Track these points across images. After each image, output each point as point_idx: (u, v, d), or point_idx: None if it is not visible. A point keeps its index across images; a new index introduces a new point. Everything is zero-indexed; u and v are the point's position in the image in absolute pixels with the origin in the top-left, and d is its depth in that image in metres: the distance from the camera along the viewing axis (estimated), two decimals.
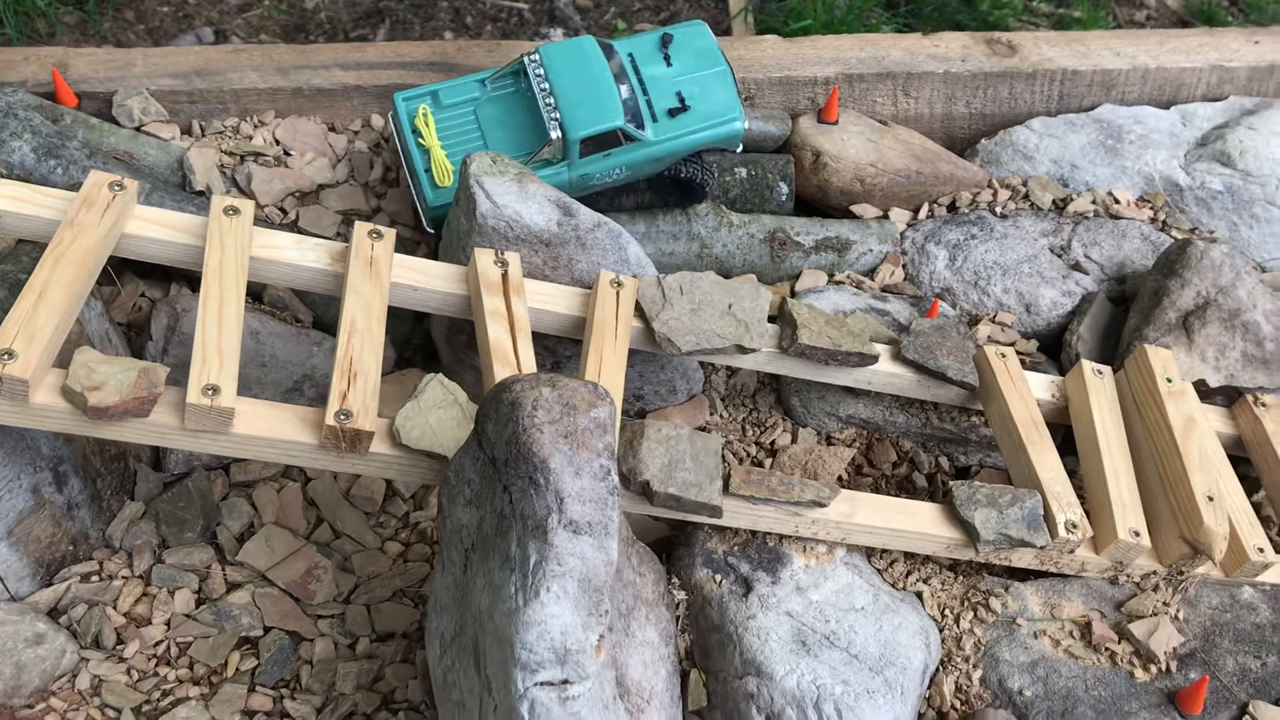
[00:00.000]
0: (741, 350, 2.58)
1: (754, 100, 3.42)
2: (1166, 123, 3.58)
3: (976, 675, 2.42)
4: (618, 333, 2.43)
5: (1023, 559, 2.51)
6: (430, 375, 2.25)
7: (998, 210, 3.35)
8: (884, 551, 2.58)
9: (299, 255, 2.38)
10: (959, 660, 2.44)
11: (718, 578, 2.43)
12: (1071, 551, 2.51)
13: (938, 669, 2.43)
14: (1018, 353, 3.05)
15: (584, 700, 1.67)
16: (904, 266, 3.21)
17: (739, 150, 3.05)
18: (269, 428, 2.10)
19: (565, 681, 1.66)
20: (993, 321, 3.11)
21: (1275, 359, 2.92)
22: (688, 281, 2.59)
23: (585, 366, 2.37)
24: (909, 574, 2.57)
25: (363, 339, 2.20)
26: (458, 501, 1.89)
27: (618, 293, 2.50)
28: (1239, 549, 2.59)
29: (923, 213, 3.36)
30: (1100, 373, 2.80)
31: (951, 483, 2.49)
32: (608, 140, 2.85)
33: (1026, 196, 3.40)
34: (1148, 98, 3.65)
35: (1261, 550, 2.59)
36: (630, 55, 3.00)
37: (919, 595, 2.53)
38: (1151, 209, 3.37)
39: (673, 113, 2.93)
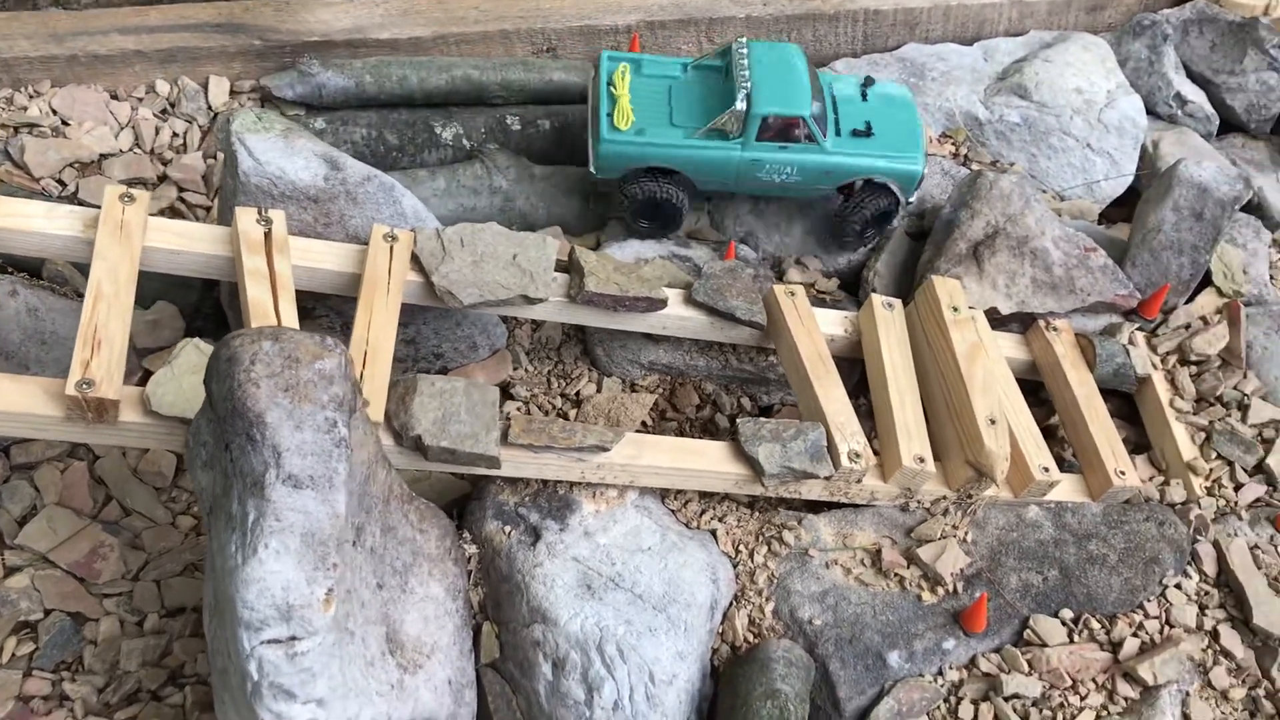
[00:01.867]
0: (528, 300, 2.56)
1: (556, 51, 3.38)
2: (969, 59, 3.64)
3: (769, 608, 2.45)
4: (390, 288, 2.39)
5: (812, 490, 2.55)
6: (186, 339, 2.19)
7: None
8: (679, 492, 2.59)
9: (48, 223, 2.29)
10: (752, 594, 2.47)
11: (507, 529, 2.42)
12: (858, 481, 2.55)
13: (731, 604, 2.46)
14: (819, 292, 3.08)
15: (315, 655, 1.65)
16: (709, 213, 3.22)
17: (910, 202, 3.02)
18: (8, 401, 2.02)
19: (293, 638, 1.63)
20: (796, 263, 3.13)
21: (1064, 284, 3.00)
22: (469, 233, 2.56)
23: (356, 323, 2.33)
24: (703, 513, 2.58)
25: (109, 305, 2.13)
26: (196, 465, 1.84)
27: (391, 247, 2.46)
28: (1025, 469, 2.65)
29: None
30: (890, 306, 2.84)
31: (737, 420, 2.51)
32: (787, 134, 2.83)
33: None
34: (951, 35, 3.71)
35: (1046, 470, 2.65)
36: (830, 84, 3.05)
37: (713, 533, 2.55)
38: (953, 144, 3.43)
39: (856, 133, 2.93)
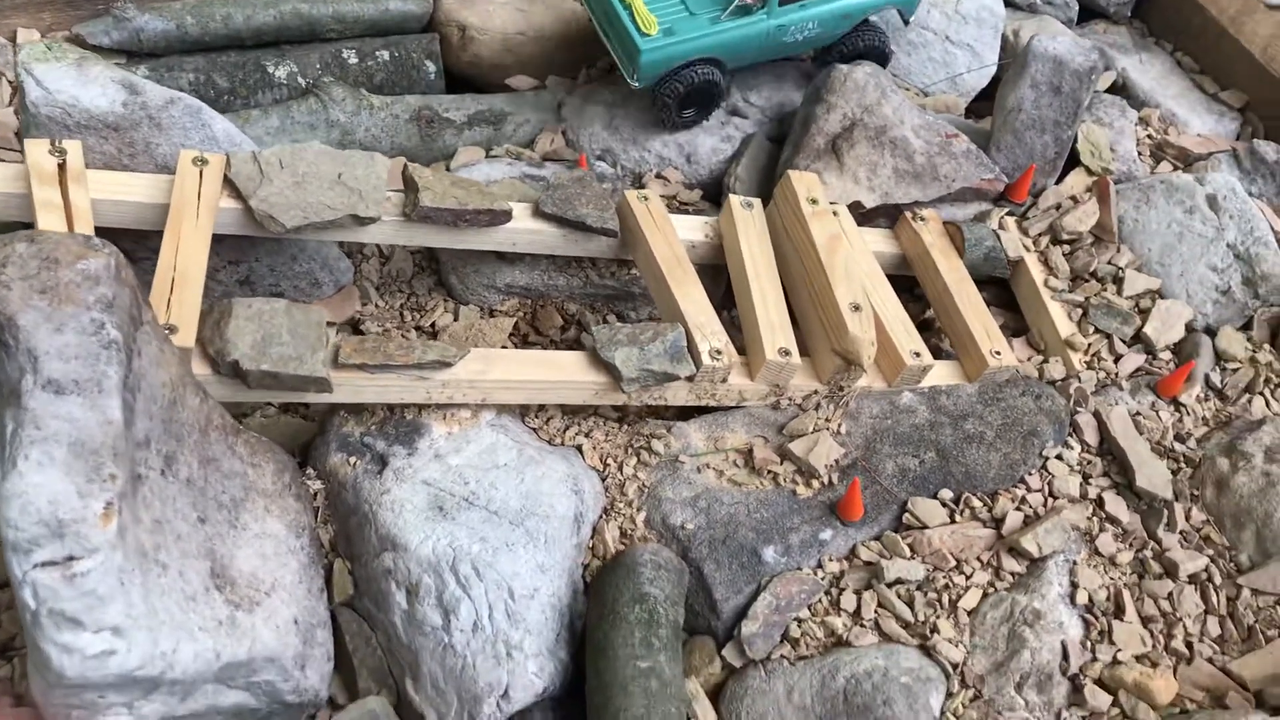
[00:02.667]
0: (358, 220, 2.41)
1: None
2: None
3: (640, 517, 2.33)
4: (199, 211, 2.24)
5: (677, 395, 2.44)
6: None
7: None
8: (540, 410, 2.47)
9: None
10: (622, 505, 2.36)
11: (352, 459, 2.28)
12: (724, 380, 2.44)
13: (601, 516, 2.34)
14: (681, 204, 2.98)
15: (99, 576, 1.50)
16: (564, 133, 3.09)
17: (907, 22, 3.20)
18: None
19: (70, 558, 1.48)
20: (657, 177, 3.02)
21: (927, 172, 2.92)
22: (289, 154, 2.40)
23: (162, 249, 2.17)
24: (567, 429, 2.46)
25: None
26: None
27: (201, 171, 2.30)
28: (895, 356, 2.57)
29: (581, 77, 3.25)
30: (749, 205, 2.74)
31: (593, 328, 2.39)
32: None
33: None
34: None
35: (918, 354, 2.57)
36: None
37: (579, 449, 2.43)
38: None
39: None
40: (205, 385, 2.07)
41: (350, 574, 2.22)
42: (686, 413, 2.57)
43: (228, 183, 2.34)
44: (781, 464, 2.42)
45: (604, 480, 2.40)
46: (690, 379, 2.40)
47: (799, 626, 2.22)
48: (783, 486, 2.39)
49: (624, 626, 2.08)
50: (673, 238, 2.61)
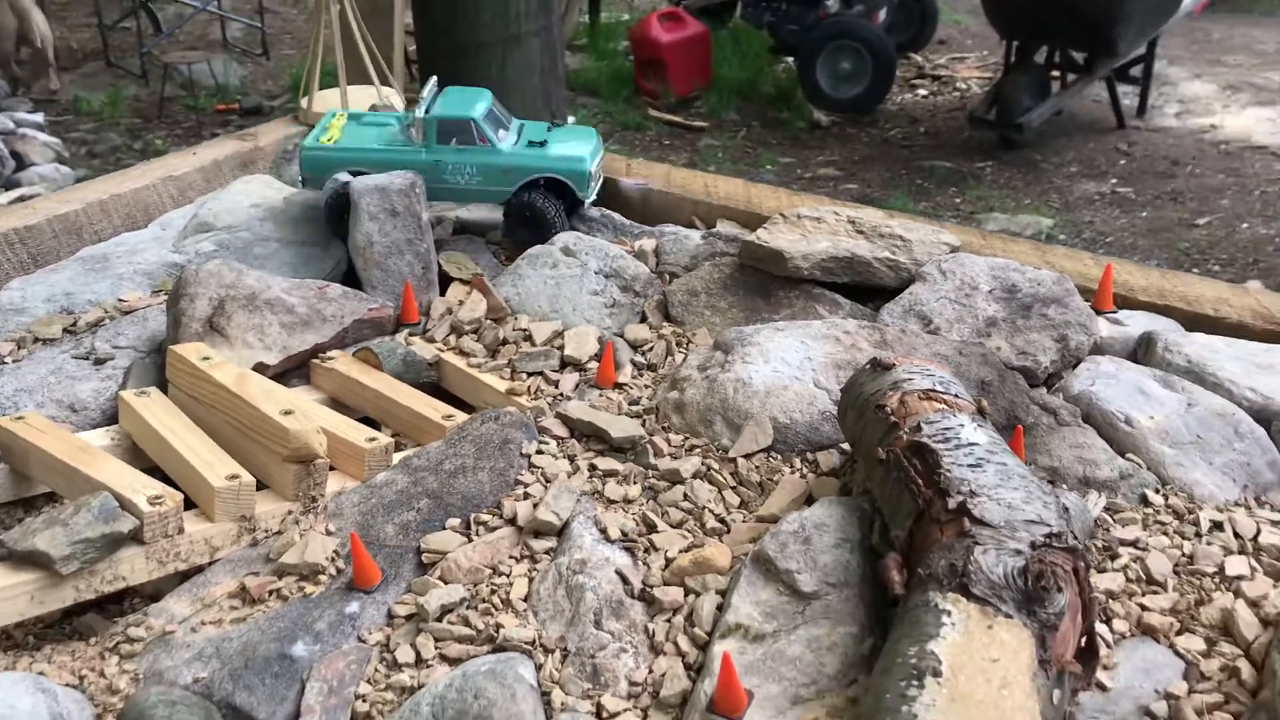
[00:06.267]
0: None
1: None
2: (149, 235, 3.61)
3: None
4: None
5: (136, 569, 2.15)
6: None
7: None
8: None
9: None
10: (116, 701, 1.96)
11: None
12: (180, 530, 2.20)
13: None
14: None
15: None
16: None
17: (587, 202, 3.52)
18: None
19: None
20: None
21: (315, 318, 2.96)
22: None
23: None
24: (17, 662, 2.04)
25: None
26: None
27: None
28: (354, 448, 2.49)
29: None
30: (145, 393, 2.59)
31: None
32: (463, 136, 3.37)
33: (25, 341, 3.13)
34: (122, 226, 3.67)
35: (373, 439, 2.51)
36: (522, 125, 3.59)
37: (42, 674, 2.02)
38: (165, 291, 3.31)
39: (532, 144, 3.48)
40: None
41: None
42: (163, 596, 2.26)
43: None
44: (281, 579, 2.19)
45: (85, 693, 2.00)
46: (138, 537, 2.12)
47: (365, 702, 1.95)
48: (292, 598, 2.15)
49: None
50: (65, 435, 2.37)
